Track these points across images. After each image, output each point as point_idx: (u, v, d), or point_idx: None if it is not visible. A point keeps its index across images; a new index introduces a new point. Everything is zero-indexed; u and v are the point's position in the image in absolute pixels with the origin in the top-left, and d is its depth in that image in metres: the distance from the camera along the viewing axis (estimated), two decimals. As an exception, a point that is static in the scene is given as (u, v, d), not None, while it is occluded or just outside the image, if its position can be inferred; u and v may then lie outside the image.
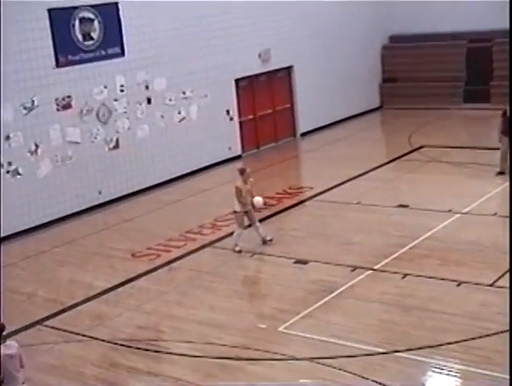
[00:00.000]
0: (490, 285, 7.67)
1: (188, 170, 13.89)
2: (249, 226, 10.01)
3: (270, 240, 9.94)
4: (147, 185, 13.06)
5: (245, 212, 9.73)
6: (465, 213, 10.14)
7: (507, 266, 7.81)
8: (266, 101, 15.69)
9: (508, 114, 11.38)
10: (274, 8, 14.87)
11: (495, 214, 9.95)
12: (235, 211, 9.73)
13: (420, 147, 14.50)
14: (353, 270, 8.58)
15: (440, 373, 6.22)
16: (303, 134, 16.56)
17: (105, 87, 12.04)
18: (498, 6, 15.05)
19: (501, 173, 11.44)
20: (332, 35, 16.34)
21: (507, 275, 7.79)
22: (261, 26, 14.75)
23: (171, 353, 6.98)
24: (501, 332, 6.62)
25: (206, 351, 6.93)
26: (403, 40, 17.33)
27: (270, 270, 9.23)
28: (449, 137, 15.05)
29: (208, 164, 14.29)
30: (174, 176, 13.57)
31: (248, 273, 9.44)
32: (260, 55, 14.91)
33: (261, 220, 10.44)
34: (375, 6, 17.12)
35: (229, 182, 11.45)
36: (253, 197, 9.77)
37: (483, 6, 15.61)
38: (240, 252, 9.72)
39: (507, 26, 13.97)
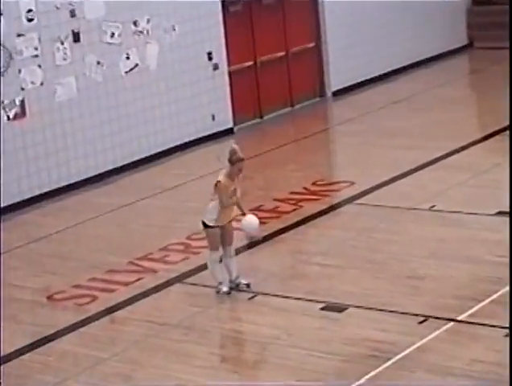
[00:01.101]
0: None
1: (142, 155, 14.36)
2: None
3: (247, 286, 9.94)
4: (73, 180, 13.43)
5: (222, 227, 9.79)
6: None
7: None
8: (274, 38, 16.46)
9: None
10: None
11: None
12: (206, 225, 9.71)
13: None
14: (421, 322, 8.85)
15: None
16: (337, 93, 17.43)
17: (1, 14, 12.35)
18: None
19: None
20: None
21: None
22: None
23: None
24: None
25: None
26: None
27: (282, 323, 9.26)
28: None
29: (176, 144, 14.87)
30: (118, 165, 14.06)
31: (242, 328, 9.64)
32: None
33: (265, 238, 10.47)
34: None
35: (213, 173, 11.43)
36: (241, 212, 9.86)
37: None
38: (229, 293, 9.74)
39: None
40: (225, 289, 9.74)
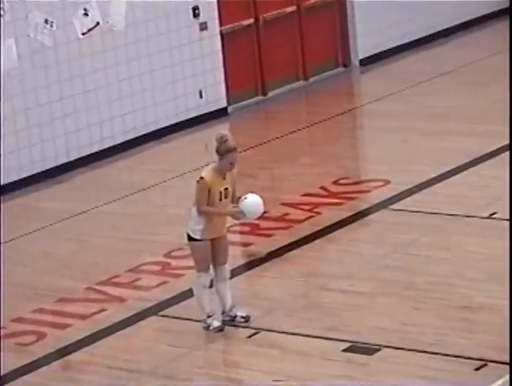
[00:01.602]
0: None
1: (105, 146, 14.65)
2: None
3: (246, 320, 9.90)
4: (11, 179, 13.56)
5: (213, 240, 9.74)
6: None
7: None
8: None
9: None
10: None
11: None
12: (191, 238, 9.71)
13: None
14: (478, 368, 8.83)
15: None
16: (365, 62, 17.97)
17: None
18: None
19: None
20: None
21: None
22: None
23: None
24: None
25: None
26: None
27: (292, 369, 9.19)
28: None
29: (150, 130, 15.16)
30: (72, 158, 14.31)
31: (239, 376, 9.41)
32: None
33: (270, 255, 10.57)
34: None
35: (200, 169, 11.16)
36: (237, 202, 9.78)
37: None
38: (221, 329, 9.72)
39: None
40: (215, 323, 9.65)
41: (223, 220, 9.93)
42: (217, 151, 9.73)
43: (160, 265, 11.17)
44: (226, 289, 9.96)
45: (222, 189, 9.58)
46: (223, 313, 9.90)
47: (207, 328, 9.73)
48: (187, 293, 10.40)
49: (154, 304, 10.29)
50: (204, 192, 9.53)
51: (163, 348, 9.50)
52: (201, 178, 9.56)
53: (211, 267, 9.90)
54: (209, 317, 9.71)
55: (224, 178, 9.68)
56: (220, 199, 9.56)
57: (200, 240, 9.68)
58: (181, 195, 12.53)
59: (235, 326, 9.90)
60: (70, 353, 9.59)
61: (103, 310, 10.23)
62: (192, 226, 9.70)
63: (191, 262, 10.71)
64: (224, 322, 9.93)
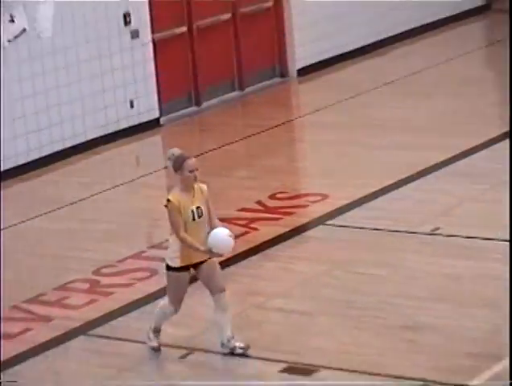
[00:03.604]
0: None
1: (30, 158, 14.73)
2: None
3: (244, 349, 9.74)
4: None
5: (197, 267, 9.71)
6: None
7: None
8: None
9: None
10: None
11: None
12: (169, 268, 9.63)
13: None
14: None
15: None
16: (304, 72, 18.10)
17: None
18: None
19: None
20: None
21: None
22: None
23: None
24: None
25: None
26: None
27: None
28: None
29: (78, 142, 15.22)
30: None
31: None
32: None
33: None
34: None
35: (132, 182, 11.60)
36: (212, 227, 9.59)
37: None
38: (158, 349, 9.73)
39: None
40: (153, 343, 9.67)
41: (201, 241, 9.55)
42: (175, 168, 9.64)
43: (89, 283, 11.10)
44: (225, 321, 9.72)
45: (194, 208, 9.42)
46: (222, 345, 9.68)
47: (149, 345, 9.73)
48: (117, 312, 10.46)
49: (82, 323, 10.22)
50: (175, 215, 9.41)
51: (92, 370, 9.41)
52: (168, 200, 9.43)
53: (179, 305, 9.77)
54: (151, 337, 9.69)
55: (193, 196, 9.54)
56: (194, 219, 9.40)
57: (178, 270, 9.48)
58: (112, 209, 12.57)
59: (167, 345, 9.77)
60: None
61: (28, 330, 10.13)
62: (169, 254, 9.62)
63: (121, 279, 10.98)
64: (224, 354, 9.62)
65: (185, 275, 9.58)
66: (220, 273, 9.83)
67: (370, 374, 8.94)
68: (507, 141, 14.78)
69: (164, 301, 9.83)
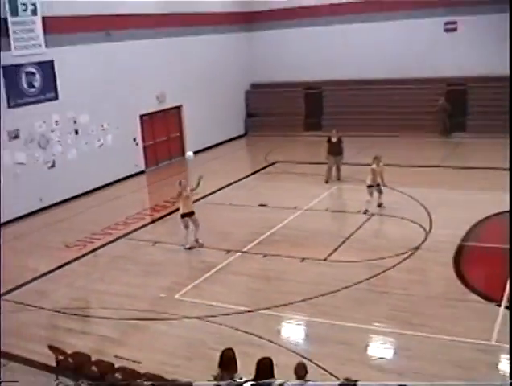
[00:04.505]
0: (324, 260, 15.28)
1: (105, 182, 23.86)
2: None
3: (202, 244, 14.97)
4: (75, 194, 22.34)
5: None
6: (307, 209, 19.42)
7: (336, 245, 15.79)
8: (162, 131, 27.68)
9: (335, 139, 23.00)
10: (169, 62, 27.19)
11: (327, 209, 19.66)
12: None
13: (274, 163, 26.35)
14: (227, 253, 15.62)
15: (291, 323, 12.27)
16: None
17: (44, 122, 21.46)
18: (326, 64, 31.84)
19: (327, 181, 22.82)
20: (210, 83, 30.16)
21: (336, 252, 15.49)
22: (158, 76, 26.49)
23: (97, 317, 12.33)
24: (333, 292, 13.19)
25: (122, 315, 12.25)
26: (260, 87, 34.28)
27: (167, 255, 15.72)
28: (295, 155, 27.24)
29: (120, 177, 24.67)
30: (95, 187, 23.49)
31: (152, 257, 15.90)
32: (157, 97, 27.19)
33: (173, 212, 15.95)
34: (241, 62, 33.05)
35: (135, 191, 21.02)
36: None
37: (315, 64, 32.25)
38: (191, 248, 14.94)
39: (334, 77, 31.64)
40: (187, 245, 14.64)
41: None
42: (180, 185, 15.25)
43: (124, 222, 15.63)
44: (196, 230, 14.48)
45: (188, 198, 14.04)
46: (196, 240, 14.60)
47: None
48: (135, 231, 15.85)
49: (123, 234, 14.09)
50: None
51: (126, 249, 12.95)
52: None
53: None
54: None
55: (184, 196, 14.61)
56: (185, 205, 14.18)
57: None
58: (129, 200, 19.10)
59: (160, 239, 14.87)
60: (95, 251, 13.74)
61: (105, 237, 13.20)
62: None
63: (135, 221, 17.19)
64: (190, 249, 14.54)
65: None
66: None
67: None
68: (252, 176, 21.61)
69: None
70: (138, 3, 25.71)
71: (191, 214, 16.16)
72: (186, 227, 16.12)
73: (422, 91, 30.83)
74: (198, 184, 16.42)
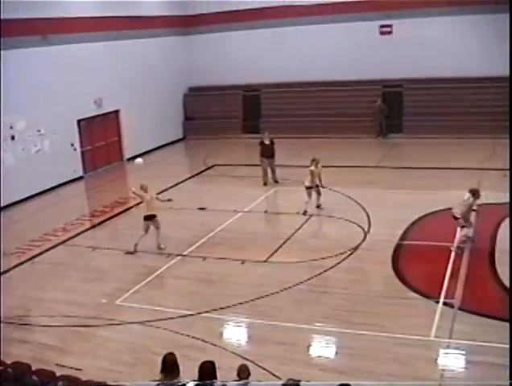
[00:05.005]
0: (265, 261, 15.48)
1: (43, 188, 23.50)
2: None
3: (164, 248, 14.85)
4: (13, 200, 22.09)
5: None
6: (246, 211, 19.62)
7: (275, 247, 15.98)
8: (100, 136, 27.58)
9: (267, 142, 23.16)
10: (107, 66, 27.26)
11: (266, 211, 19.98)
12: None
13: (213, 166, 26.44)
14: (168, 256, 15.72)
15: (233, 325, 12.37)
16: (128, 159, 28.35)
17: None
18: (264, 66, 32.30)
19: (265, 184, 23.07)
20: (148, 87, 30.43)
21: (276, 253, 15.66)
22: (96, 80, 26.44)
23: (37, 325, 12.09)
24: (273, 293, 13.35)
25: (64, 322, 12.10)
26: (199, 90, 34.40)
27: (107, 260, 15.69)
28: (233, 158, 27.39)
29: (58, 183, 24.28)
30: (33, 193, 23.23)
31: (92, 263, 15.86)
32: (95, 102, 27.06)
33: (104, 221, 16.34)
34: (179, 66, 33.30)
35: (74, 196, 20.75)
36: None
37: (254, 67, 32.83)
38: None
39: (271, 80, 32.20)
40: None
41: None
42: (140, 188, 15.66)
43: (63, 228, 15.73)
44: (158, 233, 14.86)
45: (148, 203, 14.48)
46: (158, 246, 14.95)
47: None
48: (74, 237, 15.90)
49: (61, 240, 14.24)
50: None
51: (66, 255, 13.01)
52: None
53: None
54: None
55: (146, 199, 15.01)
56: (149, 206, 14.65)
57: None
58: (69, 206, 19.12)
59: (100, 245, 14.86)
60: (34, 258, 13.68)
61: (44, 244, 13.42)
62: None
63: (75, 227, 16.75)
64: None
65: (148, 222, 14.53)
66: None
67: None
68: (191, 179, 21.98)
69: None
70: (75, 6, 25.66)
71: (152, 217, 16.35)
72: (145, 230, 16.34)
73: (359, 92, 31.24)
74: (164, 200, 17.21)
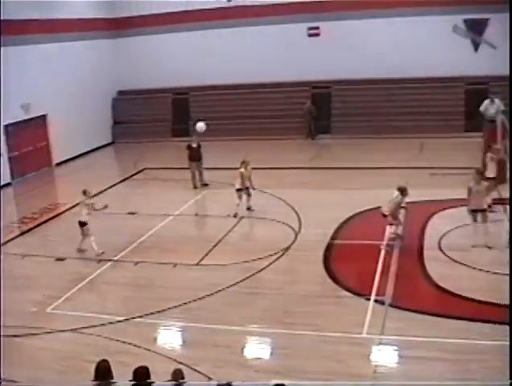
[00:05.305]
0: (196, 264, 15.61)
1: None
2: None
3: (102, 253, 14.68)
4: None
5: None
6: (177, 215, 19.75)
7: (207, 249, 16.13)
8: (28, 141, 27.54)
9: (195, 145, 23.69)
10: (34, 70, 26.95)
11: (197, 214, 20.39)
12: None
13: (143, 169, 26.64)
14: (98, 262, 15.84)
15: (166, 330, 12.49)
16: (58, 164, 28.77)
17: None
18: (193, 69, 32.35)
19: (195, 187, 23.34)
20: (76, 91, 30.11)
21: (207, 256, 15.78)
22: (23, 85, 26.12)
23: None
24: (206, 296, 13.46)
25: None
26: (128, 93, 34.55)
27: (37, 268, 15.48)
28: (163, 161, 27.60)
29: None
30: None
31: (21, 270, 15.80)
32: (22, 107, 26.73)
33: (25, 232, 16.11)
34: (108, 69, 33.27)
35: (5, 202, 20.31)
36: None
37: (183, 70, 33.16)
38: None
39: (201, 83, 32.42)
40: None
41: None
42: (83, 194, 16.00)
43: None
44: (92, 243, 15.25)
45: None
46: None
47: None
48: (6, 243, 15.96)
49: None
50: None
51: None
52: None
53: None
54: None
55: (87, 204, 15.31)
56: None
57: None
58: None
59: (31, 252, 14.79)
60: None
61: None
62: None
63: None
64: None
65: None
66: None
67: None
68: (122, 183, 22.04)
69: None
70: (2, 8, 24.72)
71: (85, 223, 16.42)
72: (83, 235, 16.74)
73: (289, 94, 31.66)
74: (101, 209, 17.23)
